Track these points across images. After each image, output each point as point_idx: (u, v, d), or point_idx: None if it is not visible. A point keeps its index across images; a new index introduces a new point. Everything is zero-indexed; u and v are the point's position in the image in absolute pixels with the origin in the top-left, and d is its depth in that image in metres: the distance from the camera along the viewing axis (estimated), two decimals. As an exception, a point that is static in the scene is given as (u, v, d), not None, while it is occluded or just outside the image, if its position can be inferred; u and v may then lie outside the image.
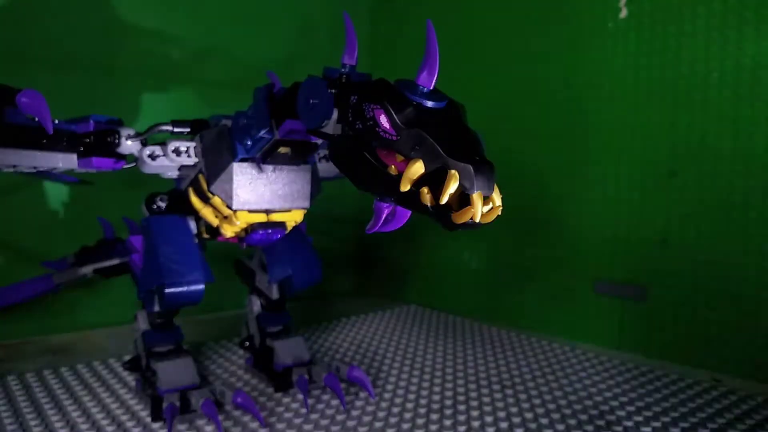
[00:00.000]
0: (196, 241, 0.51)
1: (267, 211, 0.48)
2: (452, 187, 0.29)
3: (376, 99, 0.32)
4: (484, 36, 0.86)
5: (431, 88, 0.32)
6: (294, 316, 0.62)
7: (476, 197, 0.29)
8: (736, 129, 0.61)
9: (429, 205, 0.31)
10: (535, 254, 0.80)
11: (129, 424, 0.48)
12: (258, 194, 0.47)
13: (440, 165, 0.29)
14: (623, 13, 0.70)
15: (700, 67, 0.64)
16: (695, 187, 0.64)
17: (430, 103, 0.32)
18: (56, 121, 0.45)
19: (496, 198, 0.31)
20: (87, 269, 0.65)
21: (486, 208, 0.30)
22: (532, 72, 0.80)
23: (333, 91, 0.36)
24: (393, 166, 0.33)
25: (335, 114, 0.36)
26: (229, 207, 0.47)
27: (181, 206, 0.51)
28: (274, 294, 0.59)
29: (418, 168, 0.30)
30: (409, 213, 0.35)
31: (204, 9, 0.85)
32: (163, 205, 0.51)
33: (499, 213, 0.31)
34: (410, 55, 0.94)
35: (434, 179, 0.31)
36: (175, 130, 0.48)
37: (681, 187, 0.65)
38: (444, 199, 0.29)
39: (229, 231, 0.49)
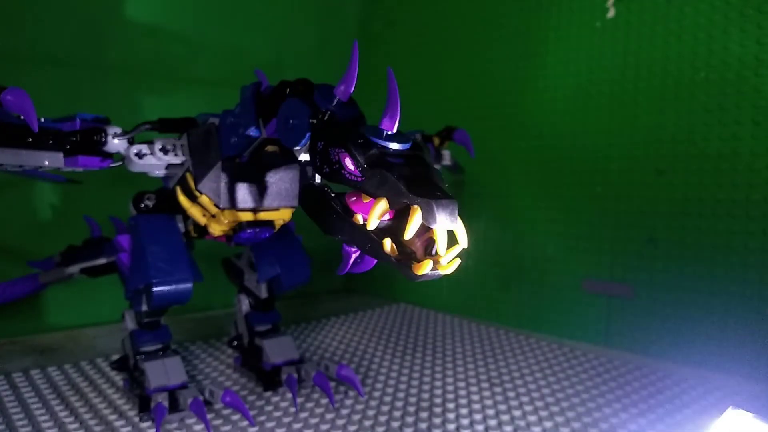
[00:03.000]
0: (184, 240, 0.51)
1: (255, 210, 0.48)
2: (415, 221, 0.30)
3: (340, 143, 0.34)
4: (472, 36, 0.86)
5: (394, 131, 0.34)
6: (283, 315, 0.62)
7: (439, 231, 0.30)
8: (721, 128, 0.62)
9: (392, 255, 0.31)
10: (523, 252, 0.81)
11: (117, 423, 0.48)
12: (246, 193, 0.47)
13: (403, 201, 0.31)
14: (611, 13, 0.71)
15: (686, 66, 0.64)
16: (681, 186, 0.65)
17: (393, 146, 0.33)
18: (42, 120, 0.44)
19: (461, 234, 0.32)
20: (73, 269, 0.64)
21: (452, 254, 0.31)
22: (520, 71, 0.80)
23: (313, 121, 0.36)
24: (359, 216, 0.34)
25: (307, 144, 0.37)
26: (217, 206, 0.47)
27: (168, 205, 0.51)
28: (263, 293, 0.59)
29: (382, 206, 0.31)
30: None
31: (193, 5, 0.84)
32: (150, 204, 0.51)
33: (459, 261, 0.32)
34: (400, 54, 0.94)
35: (397, 229, 0.32)
36: (163, 128, 0.48)
37: (667, 185, 0.66)
38: (408, 235, 0.30)
39: (216, 230, 0.49)
